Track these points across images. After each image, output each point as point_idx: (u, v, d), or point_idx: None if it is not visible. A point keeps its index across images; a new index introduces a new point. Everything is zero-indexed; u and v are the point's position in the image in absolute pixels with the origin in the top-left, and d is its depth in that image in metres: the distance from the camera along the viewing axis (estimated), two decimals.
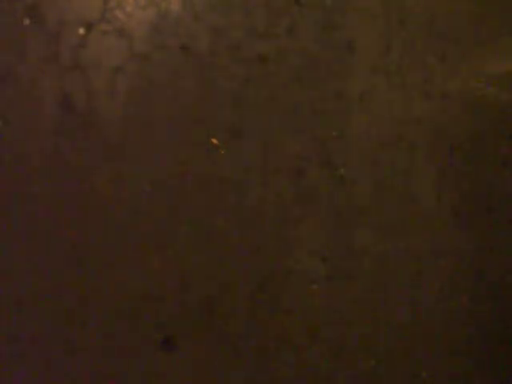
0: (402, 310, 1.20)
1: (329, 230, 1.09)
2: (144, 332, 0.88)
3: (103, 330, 0.84)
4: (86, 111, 0.84)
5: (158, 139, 0.90)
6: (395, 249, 1.19)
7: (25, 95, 0.79)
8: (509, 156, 1.42)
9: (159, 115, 0.90)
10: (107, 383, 0.85)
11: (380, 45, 1.18)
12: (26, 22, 0.79)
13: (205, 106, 0.95)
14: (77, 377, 0.83)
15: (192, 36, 0.94)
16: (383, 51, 1.18)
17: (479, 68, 1.36)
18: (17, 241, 0.79)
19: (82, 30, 0.83)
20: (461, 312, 1.30)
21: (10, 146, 0.78)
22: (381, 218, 1.17)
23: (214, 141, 0.95)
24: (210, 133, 0.95)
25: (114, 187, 0.86)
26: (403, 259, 1.21)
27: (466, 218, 1.33)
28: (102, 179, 0.85)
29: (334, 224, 1.10)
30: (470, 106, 1.34)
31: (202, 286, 0.94)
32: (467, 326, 1.32)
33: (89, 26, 0.84)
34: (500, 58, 1.41)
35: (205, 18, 0.95)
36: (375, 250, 1.16)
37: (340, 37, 1.12)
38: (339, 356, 1.10)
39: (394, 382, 1.18)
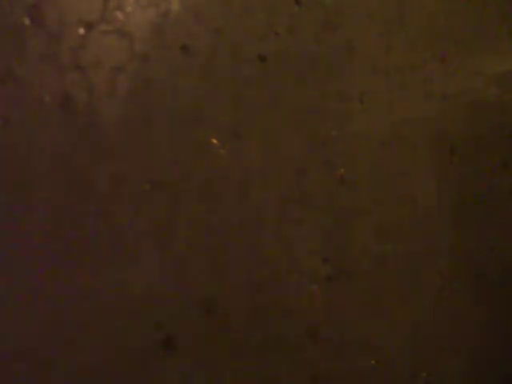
0: (401, 310, 1.20)
1: (329, 230, 1.09)
2: (144, 332, 0.88)
3: (103, 329, 0.84)
4: (86, 111, 0.84)
5: (157, 139, 0.90)
6: (395, 249, 1.19)
7: (25, 95, 0.79)
8: (509, 156, 1.42)
9: (159, 115, 0.90)
10: (107, 383, 0.85)
11: (380, 45, 1.18)
12: (26, 22, 0.79)
13: (205, 105, 0.95)
14: (76, 377, 0.83)
15: (192, 36, 0.94)
16: (383, 51, 1.18)
17: (479, 68, 1.36)
18: (16, 240, 0.79)
19: (82, 30, 0.84)
20: (461, 312, 1.30)
21: (9, 145, 0.79)
22: (381, 218, 1.17)
23: (214, 141, 0.95)
24: (210, 133, 0.95)
25: (113, 187, 0.86)
26: (403, 259, 1.21)
27: (466, 218, 1.33)
28: (102, 179, 0.85)
29: (334, 224, 1.10)
30: (470, 106, 1.34)
31: (201, 285, 0.94)
32: (467, 326, 1.32)
33: (89, 26, 0.84)
34: (500, 58, 1.41)
35: (205, 18, 0.95)
36: (375, 250, 1.16)
37: (340, 37, 1.12)
38: (339, 356, 1.10)
39: (393, 382, 1.18)
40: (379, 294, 1.16)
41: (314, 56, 1.08)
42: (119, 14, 0.87)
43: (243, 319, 0.98)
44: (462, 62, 1.33)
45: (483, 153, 1.36)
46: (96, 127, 0.84)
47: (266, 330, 1.00)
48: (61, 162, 0.82)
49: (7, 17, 0.78)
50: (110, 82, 0.86)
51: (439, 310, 1.27)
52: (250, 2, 1.00)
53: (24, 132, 0.79)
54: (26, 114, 0.80)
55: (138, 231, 0.88)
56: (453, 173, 1.30)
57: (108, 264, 0.85)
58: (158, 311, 0.89)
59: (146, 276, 0.88)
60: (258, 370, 0.99)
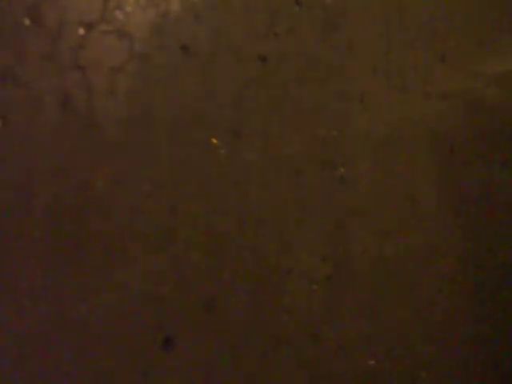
0: (401, 310, 1.20)
1: (329, 230, 1.09)
2: (144, 332, 0.88)
3: (103, 329, 0.85)
4: (86, 111, 0.84)
5: (157, 139, 0.90)
6: (395, 249, 1.19)
7: (25, 95, 0.79)
8: (509, 156, 1.42)
9: (159, 115, 0.90)
10: (107, 383, 0.85)
11: (380, 45, 1.18)
12: (26, 22, 0.79)
13: (205, 105, 0.95)
14: (76, 377, 0.83)
15: (192, 36, 0.94)
16: (383, 51, 1.18)
17: (479, 68, 1.36)
18: (17, 240, 0.79)
19: (81, 30, 0.84)
20: (461, 312, 1.31)
21: (10, 145, 0.79)
22: (381, 218, 1.17)
23: (214, 141, 0.95)
24: (210, 133, 0.95)
25: (114, 187, 0.86)
26: (403, 259, 1.21)
27: (466, 218, 1.33)
28: (102, 179, 0.85)
29: (333, 224, 1.10)
30: (470, 106, 1.34)
31: (201, 285, 0.94)
32: (467, 326, 1.32)
33: (89, 26, 0.84)
34: (500, 58, 1.41)
35: (205, 18, 0.95)
36: (375, 250, 1.16)
37: (340, 37, 1.12)
38: (339, 356, 1.10)
39: (393, 382, 1.18)
40: (379, 293, 1.16)
41: (314, 56, 1.08)
42: (119, 14, 0.87)
43: (243, 319, 0.98)
44: (462, 62, 1.33)
45: (483, 152, 1.36)
46: (96, 127, 0.84)
47: (266, 330, 1.00)
48: (61, 162, 0.82)
49: (7, 17, 0.78)
50: (110, 82, 0.86)
51: (439, 309, 1.27)
52: (250, 2, 1.00)
53: (24, 132, 0.79)
54: (26, 114, 0.80)
55: (138, 231, 0.88)
56: (453, 173, 1.30)
57: (108, 264, 0.85)
58: (158, 311, 0.89)
59: (146, 276, 0.88)
60: (258, 370, 0.99)
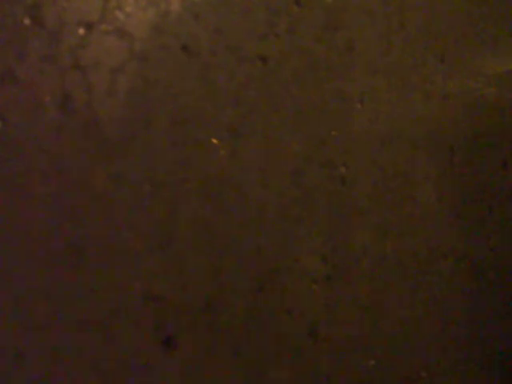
0: (401, 310, 1.20)
1: (329, 230, 1.09)
2: (144, 332, 0.88)
3: (103, 329, 0.85)
4: (86, 111, 0.84)
5: (157, 139, 0.90)
6: (395, 249, 1.19)
7: (25, 95, 0.79)
8: (509, 156, 1.42)
9: (159, 115, 0.90)
10: (107, 383, 0.85)
11: (380, 45, 1.18)
12: (26, 21, 0.79)
13: (205, 105, 0.95)
14: (76, 377, 0.83)
15: (192, 36, 0.94)
16: (383, 51, 1.18)
17: (479, 68, 1.36)
18: (16, 241, 0.79)
19: (81, 30, 0.84)
20: (461, 312, 1.31)
21: (10, 145, 0.79)
22: (381, 218, 1.17)
23: (214, 141, 0.95)
24: (210, 133, 0.95)
25: (114, 187, 0.86)
26: (403, 259, 1.21)
27: (467, 219, 1.33)
28: (102, 179, 0.85)
29: (334, 224, 1.10)
30: (470, 106, 1.34)
31: (202, 285, 0.94)
32: (467, 326, 1.32)
33: (89, 26, 0.84)
34: (500, 58, 1.41)
35: (205, 18, 0.95)
36: (375, 250, 1.16)
37: (340, 37, 1.12)
38: (339, 356, 1.10)
39: (393, 382, 1.18)
40: (379, 293, 1.16)
41: (313, 56, 1.08)
42: (119, 14, 0.87)
43: (243, 319, 0.98)
44: (462, 62, 1.33)
45: (483, 153, 1.37)
46: (96, 127, 0.84)
47: (266, 330, 1.00)
48: (61, 162, 0.82)
49: (7, 17, 0.78)
50: (109, 82, 0.86)
51: (439, 309, 1.27)
52: (250, 2, 1.00)
53: (24, 132, 0.79)
54: (26, 114, 0.80)
55: (138, 231, 0.88)
56: (453, 173, 1.30)
57: (108, 264, 0.85)
58: (158, 311, 0.89)
59: (146, 276, 0.88)
60: (258, 370, 0.99)
